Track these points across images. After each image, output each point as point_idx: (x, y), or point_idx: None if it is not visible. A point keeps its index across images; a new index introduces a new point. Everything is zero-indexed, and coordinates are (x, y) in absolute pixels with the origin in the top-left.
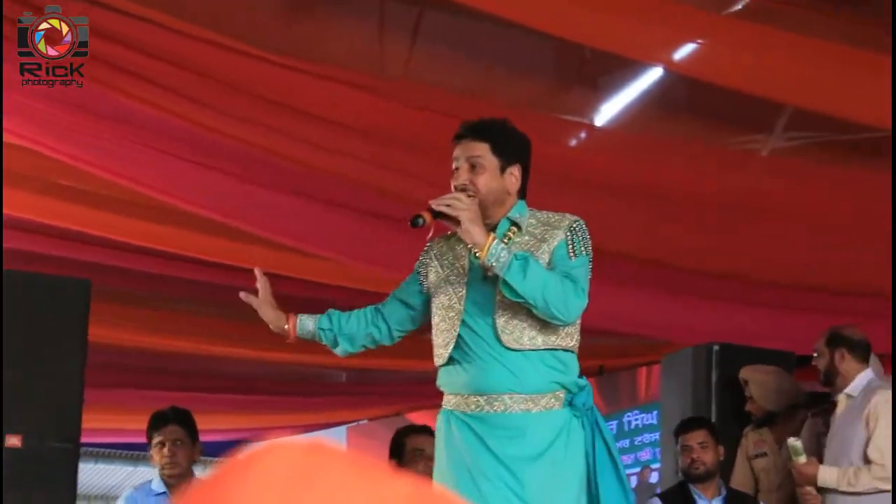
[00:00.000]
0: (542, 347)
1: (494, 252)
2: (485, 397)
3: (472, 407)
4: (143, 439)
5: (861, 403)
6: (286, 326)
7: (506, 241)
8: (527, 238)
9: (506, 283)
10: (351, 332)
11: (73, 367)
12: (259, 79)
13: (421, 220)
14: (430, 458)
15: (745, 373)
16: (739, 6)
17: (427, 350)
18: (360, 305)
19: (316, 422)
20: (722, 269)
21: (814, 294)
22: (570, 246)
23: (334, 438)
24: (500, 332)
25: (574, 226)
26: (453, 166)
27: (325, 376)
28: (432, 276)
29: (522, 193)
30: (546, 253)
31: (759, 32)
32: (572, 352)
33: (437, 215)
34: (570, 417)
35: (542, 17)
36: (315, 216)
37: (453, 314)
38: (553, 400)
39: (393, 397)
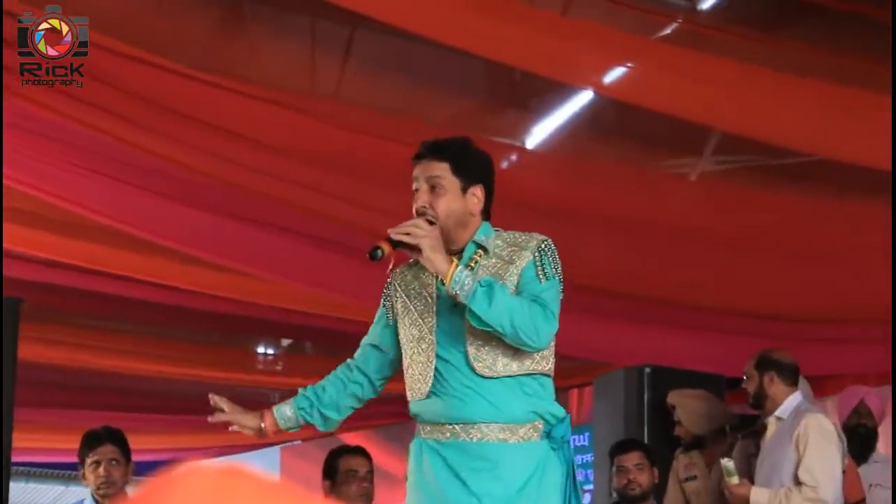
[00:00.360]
0: (518, 373)
1: (458, 279)
2: (461, 425)
3: (448, 435)
4: (74, 458)
5: (791, 426)
6: (263, 425)
7: (472, 264)
8: (494, 261)
9: (471, 311)
10: (332, 401)
11: (4, 385)
12: (189, 98)
13: (380, 253)
14: (363, 480)
15: (673, 398)
16: (668, 31)
17: None
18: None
19: (249, 441)
20: (652, 292)
21: (743, 318)
22: (539, 268)
23: (268, 458)
24: (472, 361)
25: (542, 246)
26: (413, 187)
27: (257, 396)
28: (400, 309)
29: (487, 214)
30: (514, 275)
31: (687, 57)
32: (548, 376)
33: (397, 245)
34: (548, 450)
35: (473, 39)
36: (244, 235)
37: (426, 346)
38: (531, 430)
39: None
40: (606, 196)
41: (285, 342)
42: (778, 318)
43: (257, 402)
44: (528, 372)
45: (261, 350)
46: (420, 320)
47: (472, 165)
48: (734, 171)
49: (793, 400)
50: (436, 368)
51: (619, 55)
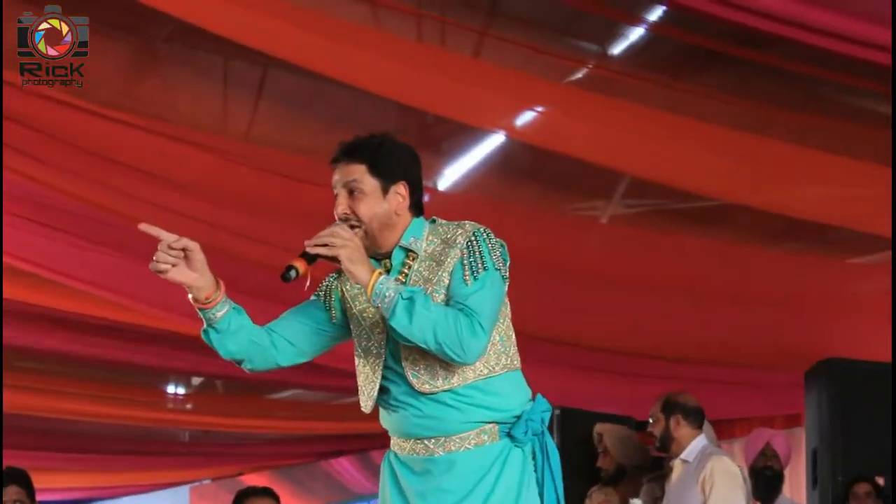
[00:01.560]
0: (460, 385)
1: (379, 292)
2: (410, 442)
3: (406, 450)
4: None
5: (696, 469)
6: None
7: (406, 271)
8: (427, 263)
9: (391, 326)
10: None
11: None
12: (99, 136)
13: (293, 273)
14: None
15: (600, 427)
16: (580, 75)
17: (268, 410)
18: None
19: (158, 481)
20: (561, 334)
21: (652, 360)
22: (467, 267)
23: (177, 498)
24: (410, 378)
25: (472, 240)
26: (334, 192)
27: (167, 435)
28: (350, 314)
29: (418, 209)
30: (445, 277)
31: (598, 102)
32: (508, 372)
33: (313, 259)
34: (506, 448)
35: (385, 83)
36: (152, 276)
37: (373, 359)
38: (482, 436)
39: (234, 458)
40: (517, 238)
41: (196, 381)
42: (686, 361)
43: (168, 441)
44: (475, 379)
45: (171, 389)
46: (369, 332)
47: (391, 163)
48: (644, 215)
49: (698, 443)
50: (381, 382)
51: (531, 99)
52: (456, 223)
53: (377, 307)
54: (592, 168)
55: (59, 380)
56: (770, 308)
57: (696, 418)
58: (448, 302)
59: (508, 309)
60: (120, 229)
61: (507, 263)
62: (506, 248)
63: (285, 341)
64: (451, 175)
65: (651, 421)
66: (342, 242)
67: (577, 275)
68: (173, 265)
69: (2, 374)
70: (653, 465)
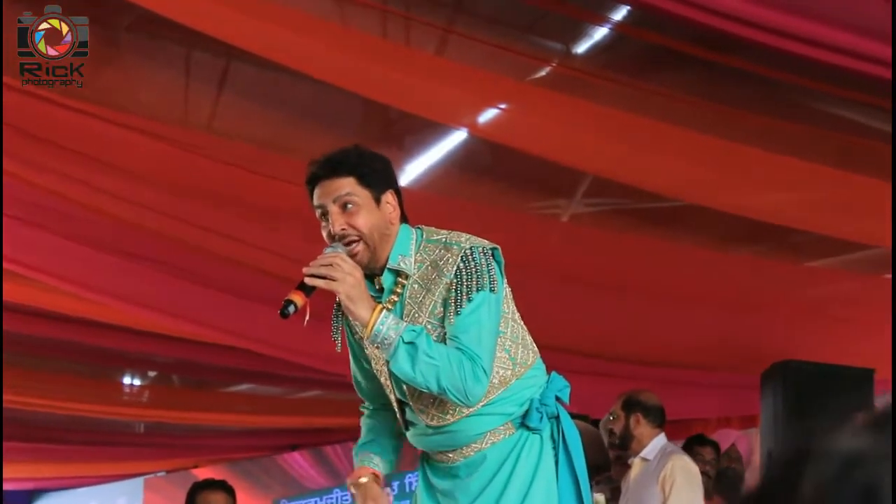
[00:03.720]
0: (473, 412)
1: (379, 332)
2: (431, 452)
3: (432, 458)
4: None
5: (657, 467)
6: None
7: (398, 291)
8: (417, 288)
9: (392, 371)
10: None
11: None
12: (59, 125)
13: (292, 309)
14: None
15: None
16: (543, 73)
17: (223, 404)
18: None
19: (112, 472)
20: None
21: (611, 361)
22: (455, 299)
23: (131, 490)
24: (418, 415)
25: (460, 267)
26: (318, 213)
27: (121, 426)
28: (358, 341)
29: (403, 218)
30: (438, 308)
31: (560, 100)
32: (519, 379)
33: (311, 291)
34: (522, 438)
35: (348, 77)
36: (110, 266)
37: (385, 381)
38: (497, 434)
39: (188, 450)
40: (477, 235)
41: (152, 374)
42: (643, 361)
43: (123, 433)
44: (488, 402)
45: (127, 381)
46: (375, 358)
47: (378, 172)
48: (604, 214)
49: (658, 441)
50: (398, 408)
51: (493, 97)
52: (444, 242)
53: (376, 347)
54: (554, 166)
55: (13, 370)
56: (728, 309)
57: (657, 417)
58: (444, 335)
59: (511, 308)
60: (78, 220)
61: (502, 266)
62: (498, 251)
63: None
64: (412, 171)
65: (611, 418)
66: (342, 276)
67: (536, 273)
68: None
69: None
70: (608, 466)
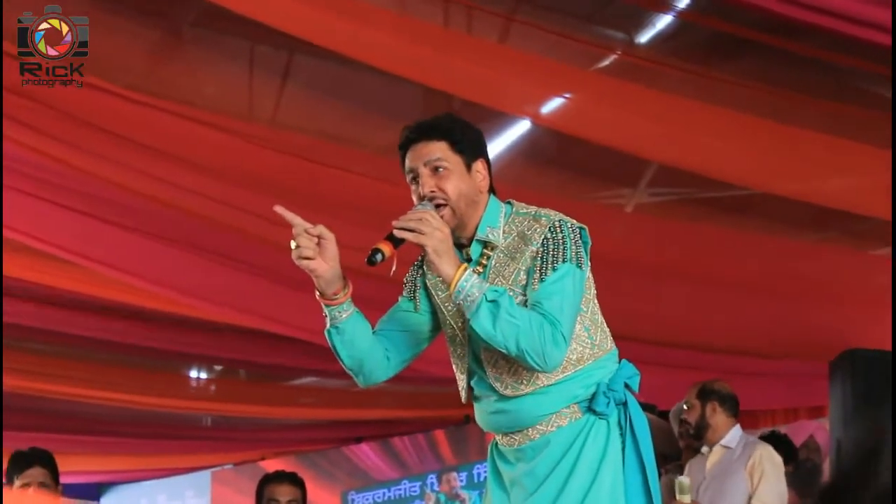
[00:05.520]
0: (546, 384)
1: (462, 289)
2: (499, 435)
3: (501, 442)
4: None
5: (741, 455)
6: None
7: (483, 262)
8: (503, 257)
9: (473, 327)
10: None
11: None
12: (126, 119)
13: (379, 257)
14: None
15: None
16: (607, 62)
17: (289, 397)
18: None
19: (179, 466)
20: None
21: (675, 350)
22: (543, 267)
23: (199, 483)
24: (492, 382)
25: (547, 237)
26: (408, 178)
27: (189, 420)
28: (435, 303)
29: (492, 190)
30: (522, 275)
31: (625, 89)
32: (596, 360)
33: (399, 243)
34: (589, 423)
35: (411, 66)
36: (177, 260)
37: (458, 349)
38: (563, 417)
39: (255, 443)
40: None
41: (218, 367)
42: (711, 351)
43: (190, 426)
44: (562, 377)
45: (193, 374)
46: (452, 322)
47: (470, 140)
48: (669, 204)
49: (737, 430)
50: (468, 376)
51: (557, 86)
52: (532, 214)
53: (457, 304)
54: (617, 156)
55: (82, 364)
56: (795, 298)
57: (732, 406)
58: (526, 301)
59: (593, 292)
60: (143, 213)
61: (588, 246)
62: (585, 231)
63: (390, 355)
64: None
65: (685, 407)
66: (430, 231)
67: (601, 264)
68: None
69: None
70: (678, 455)
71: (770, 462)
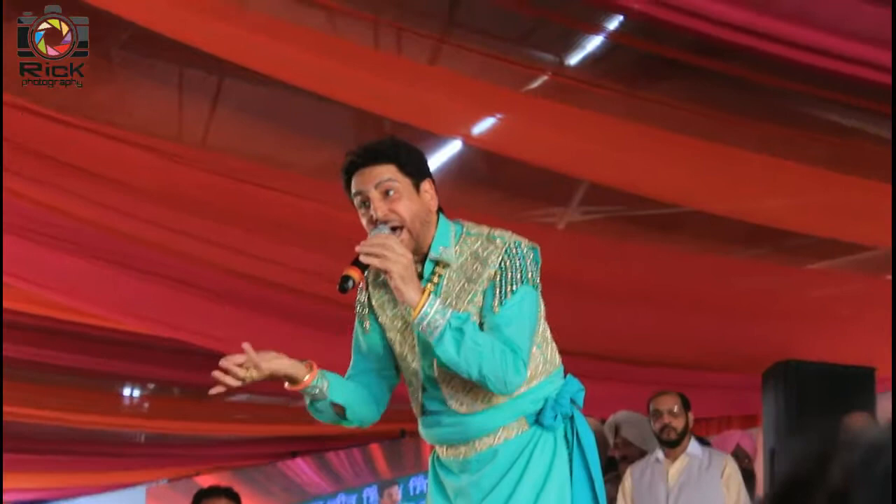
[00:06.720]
0: (501, 402)
1: (426, 315)
2: (444, 448)
3: (443, 454)
4: None
5: (712, 466)
6: (307, 378)
7: (435, 280)
8: (457, 276)
9: (436, 354)
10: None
11: None
12: (54, 140)
13: (350, 284)
14: None
15: (619, 416)
16: (537, 83)
17: (223, 413)
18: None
19: (114, 482)
20: None
21: (608, 363)
22: (501, 291)
23: (133, 500)
24: (447, 400)
25: (504, 259)
26: (357, 201)
27: (122, 436)
28: (383, 323)
29: (440, 209)
30: (479, 297)
31: (555, 109)
32: (547, 377)
33: (366, 268)
34: (535, 435)
35: (341, 88)
36: (107, 278)
37: (409, 366)
38: (510, 430)
39: (190, 459)
40: None
41: (151, 385)
42: (644, 364)
43: (124, 443)
44: (518, 395)
45: (127, 393)
46: (399, 338)
47: (416, 161)
48: (601, 221)
49: (694, 440)
50: (421, 393)
51: (488, 106)
52: (486, 235)
53: (419, 330)
54: (549, 175)
55: (13, 383)
56: (728, 313)
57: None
58: (481, 322)
59: (543, 310)
60: (74, 232)
61: (539, 266)
62: (537, 251)
63: (373, 392)
64: None
65: (670, 414)
66: (395, 257)
67: None
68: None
69: None
70: (613, 466)
71: (738, 472)
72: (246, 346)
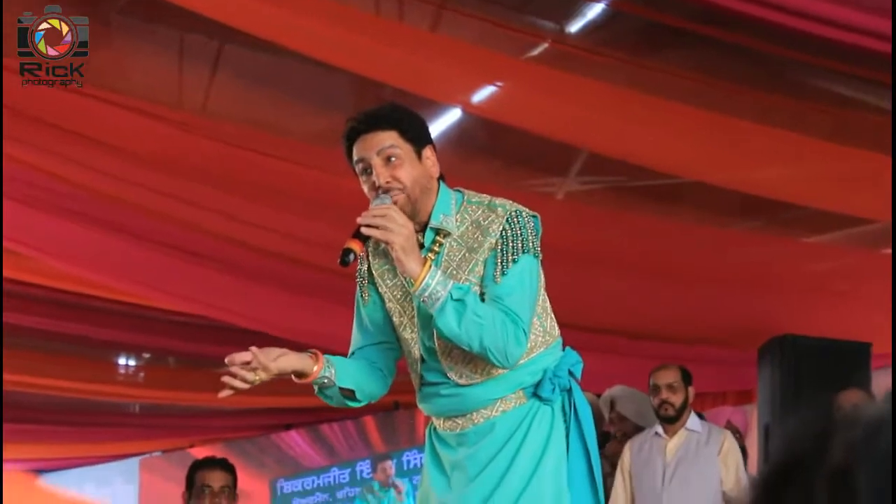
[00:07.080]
0: (501, 373)
1: (427, 286)
2: (441, 419)
3: (441, 426)
4: None
5: (711, 441)
6: (315, 368)
7: (436, 249)
8: (458, 246)
9: (437, 324)
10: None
11: None
12: (54, 107)
13: (352, 257)
14: (216, 495)
15: (615, 391)
16: (538, 51)
17: (218, 384)
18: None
19: (107, 453)
20: None
21: (605, 336)
22: (502, 260)
23: (126, 471)
24: (446, 371)
25: (506, 228)
26: (358, 168)
27: (117, 407)
28: (383, 293)
29: (441, 177)
30: (479, 263)
31: (555, 77)
32: (547, 348)
33: (367, 239)
34: (533, 408)
35: (341, 54)
36: (104, 244)
37: (408, 336)
38: (508, 402)
39: (184, 430)
40: None
41: (146, 355)
42: (640, 337)
43: (118, 413)
44: (518, 366)
45: (122, 362)
46: (399, 308)
47: (417, 127)
48: (600, 191)
49: (694, 414)
50: (421, 375)
51: (488, 74)
52: (487, 203)
53: (420, 300)
54: (548, 144)
55: (8, 351)
56: (725, 285)
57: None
58: (482, 291)
59: (543, 280)
60: (73, 199)
61: (539, 235)
62: (538, 220)
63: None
64: None
65: (669, 389)
66: (397, 229)
67: None
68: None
69: None
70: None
71: (737, 448)
72: (252, 349)
